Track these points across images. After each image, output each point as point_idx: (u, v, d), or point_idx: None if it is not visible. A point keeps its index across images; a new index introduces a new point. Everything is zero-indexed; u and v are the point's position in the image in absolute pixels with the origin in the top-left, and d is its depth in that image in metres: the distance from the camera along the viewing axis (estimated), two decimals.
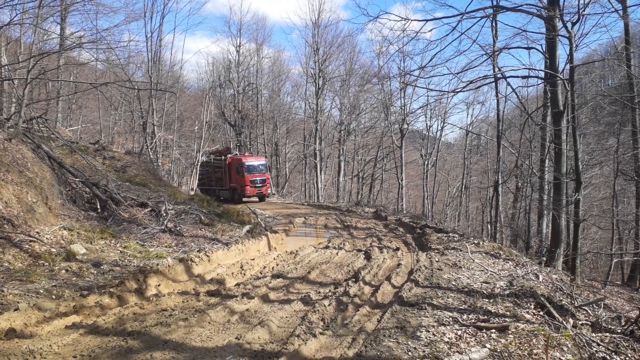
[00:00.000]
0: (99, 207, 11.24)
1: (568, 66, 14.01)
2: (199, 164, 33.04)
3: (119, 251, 8.98)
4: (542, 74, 15.69)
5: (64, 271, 7.23)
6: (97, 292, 6.26)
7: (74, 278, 7.02)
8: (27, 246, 7.80)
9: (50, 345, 4.56)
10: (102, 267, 7.76)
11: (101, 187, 11.63)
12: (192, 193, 29.59)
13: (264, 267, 9.24)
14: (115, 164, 19.25)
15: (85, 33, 18.62)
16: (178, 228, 11.19)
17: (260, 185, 28.75)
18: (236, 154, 32.13)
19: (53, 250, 8.04)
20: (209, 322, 5.54)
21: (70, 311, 5.51)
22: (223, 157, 30.86)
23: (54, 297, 6.02)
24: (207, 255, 8.82)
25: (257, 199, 29.40)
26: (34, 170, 9.96)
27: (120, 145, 35.57)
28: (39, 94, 28.05)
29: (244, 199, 28.56)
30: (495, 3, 16.45)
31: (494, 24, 18.52)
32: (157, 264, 7.92)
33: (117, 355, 4.50)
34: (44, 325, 5.07)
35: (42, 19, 15.58)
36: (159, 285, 7.04)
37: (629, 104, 14.93)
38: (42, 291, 6.12)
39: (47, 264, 7.44)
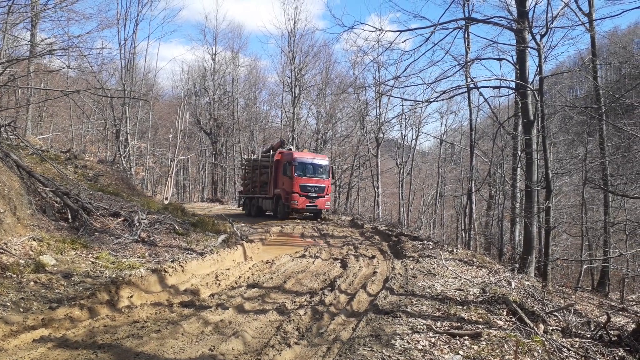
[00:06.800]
0: (70, 217, 10.97)
1: (537, 77, 14.43)
2: (246, 163, 26.37)
3: (90, 262, 8.77)
4: (512, 85, 16.11)
5: (32, 283, 7.03)
6: (67, 304, 6.11)
7: (43, 290, 6.83)
8: None
9: None
10: (72, 278, 7.57)
11: (72, 197, 11.36)
12: (166, 202, 29.16)
13: (240, 277, 9.16)
14: (87, 172, 18.87)
15: (56, 40, 18.26)
16: (151, 238, 11.01)
17: (315, 195, 20.51)
18: (290, 148, 23.06)
19: (21, 261, 7.81)
20: (182, 334, 5.46)
21: (39, 324, 5.36)
22: (272, 152, 22.73)
23: (21, 310, 5.84)
24: (181, 266, 8.70)
25: (309, 215, 21.84)
26: (1, 179, 9.69)
27: (92, 153, 35.02)
28: (7, 102, 27.39)
29: (291, 214, 21.22)
30: (467, 15, 16.87)
31: (466, 35, 18.94)
32: (130, 275, 7.77)
33: None
34: (10, 339, 4.92)
35: (11, 25, 15.24)
36: (131, 296, 6.90)
37: (596, 115, 15.40)
38: (9, 304, 5.94)
39: (14, 275, 7.22)
